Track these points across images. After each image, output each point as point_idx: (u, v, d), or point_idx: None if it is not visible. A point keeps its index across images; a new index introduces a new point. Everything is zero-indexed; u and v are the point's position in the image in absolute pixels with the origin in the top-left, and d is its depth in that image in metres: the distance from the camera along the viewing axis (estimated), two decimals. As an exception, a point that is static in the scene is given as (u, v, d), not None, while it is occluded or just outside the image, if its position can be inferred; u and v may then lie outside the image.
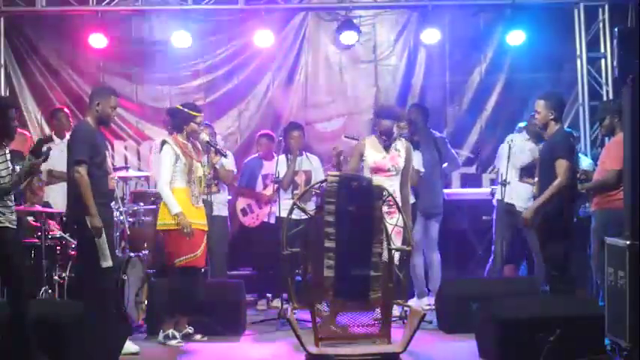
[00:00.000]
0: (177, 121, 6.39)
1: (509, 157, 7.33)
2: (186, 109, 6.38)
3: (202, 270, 6.52)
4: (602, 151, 6.98)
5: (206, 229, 6.35)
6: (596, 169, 6.93)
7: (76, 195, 5.70)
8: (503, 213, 7.32)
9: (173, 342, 6.19)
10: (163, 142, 6.33)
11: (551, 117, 6.14)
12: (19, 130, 8.27)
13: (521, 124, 8.05)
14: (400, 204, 5.93)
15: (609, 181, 6.39)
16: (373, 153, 6.50)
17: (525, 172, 7.39)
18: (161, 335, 6.24)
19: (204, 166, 6.43)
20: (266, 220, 7.97)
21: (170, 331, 6.23)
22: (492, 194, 7.88)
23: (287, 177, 7.55)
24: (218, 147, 6.55)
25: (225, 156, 6.65)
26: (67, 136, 7.82)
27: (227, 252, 7.92)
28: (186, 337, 6.28)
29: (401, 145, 6.59)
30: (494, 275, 7.45)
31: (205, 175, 6.45)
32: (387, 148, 6.53)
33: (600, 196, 6.56)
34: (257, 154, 8.35)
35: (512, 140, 7.39)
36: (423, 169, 7.43)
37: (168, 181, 6.21)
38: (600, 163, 6.72)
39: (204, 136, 6.45)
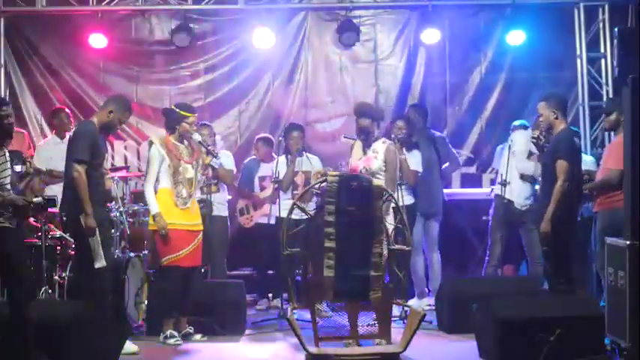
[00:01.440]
0: (170, 121, 6.41)
1: (509, 157, 7.33)
2: (177, 110, 6.39)
3: (200, 270, 6.50)
4: (605, 151, 6.97)
5: (196, 229, 6.34)
6: (598, 168, 6.92)
7: (72, 194, 5.70)
8: (502, 210, 7.32)
9: (171, 341, 6.21)
10: (150, 143, 6.37)
11: (555, 117, 6.13)
12: (17, 129, 8.31)
13: (516, 123, 8.05)
14: None
15: (612, 182, 6.38)
16: (354, 155, 6.39)
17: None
18: (161, 336, 6.25)
19: (196, 167, 6.41)
20: (260, 221, 7.94)
21: (169, 332, 6.25)
22: (492, 193, 7.88)
23: (286, 178, 7.54)
24: (210, 148, 6.53)
25: (215, 157, 6.61)
26: (67, 136, 7.85)
27: (227, 252, 7.91)
28: (186, 337, 6.29)
29: (381, 146, 6.34)
30: (490, 273, 7.46)
31: (197, 177, 6.43)
32: (364, 149, 6.33)
33: (603, 197, 6.55)
34: (255, 156, 8.34)
35: (511, 140, 7.38)
36: (420, 169, 7.41)
37: (152, 182, 6.29)
38: (602, 163, 6.72)
39: (197, 137, 6.43)
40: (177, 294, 6.28)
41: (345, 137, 7.18)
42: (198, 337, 6.35)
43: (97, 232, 5.66)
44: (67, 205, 5.80)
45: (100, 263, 5.67)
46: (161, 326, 6.29)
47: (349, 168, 6.32)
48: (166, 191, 6.28)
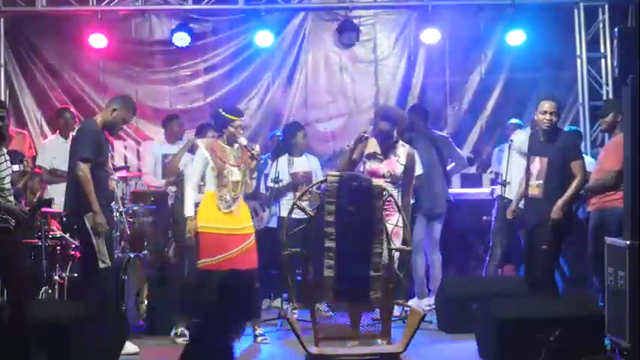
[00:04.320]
0: (217, 124, 6.36)
1: (509, 157, 7.32)
2: (224, 113, 6.30)
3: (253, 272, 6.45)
4: (601, 151, 6.97)
5: (242, 232, 6.23)
6: (595, 169, 6.92)
7: (76, 193, 5.70)
8: (503, 210, 7.31)
9: (180, 339, 6.25)
10: (197, 145, 6.35)
11: (559, 120, 6.23)
12: (18, 129, 8.35)
13: (513, 121, 8.03)
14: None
15: (608, 183, 6.39)
16: (371, 156, 6.21)
17: None
18: (172, 332, 6.29)
19: (241, 170, 6.31)
20: (267, 224, 7.89)
21: (180, 329, 6.30)
22: (492, 194, 7.88)
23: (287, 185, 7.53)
24: (254, 152, 6.35)
25: (259, 161, 6.47)
26: (71, 135, 7.86)
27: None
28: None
29: (402, 150, 6.21)
30: (490, 272, 7.46)
31: (244, 180, 6.32)
32: (385, 152, 6.18)
33: (597, 197, 6.55)
34: (268, 154, 8.23)
35: (511, 140, 7.37)
36: (421, 170, 7.38)
37: (191, 183, 6.24)
38: (599, 164, 6.72)
39: (242, 140, 6.33)
40: (203, 297, 6.24)
41: (348, 146, 7.10)
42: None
43: (102, 232, 5.67)
44: (70, 204, 5.80)
45: (105, 264, 5.67)
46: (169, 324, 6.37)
47: (368, 170, 6.12)
48: (211, 194, 6.21)
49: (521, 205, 7.18)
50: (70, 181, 5.85)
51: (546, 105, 6.17)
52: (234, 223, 6.21)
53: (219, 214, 6.16)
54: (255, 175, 6.47)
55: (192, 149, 7.34)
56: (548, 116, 6.15)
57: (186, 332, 6.26)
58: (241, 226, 6.25)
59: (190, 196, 6.20)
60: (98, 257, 5.63)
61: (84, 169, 5.62)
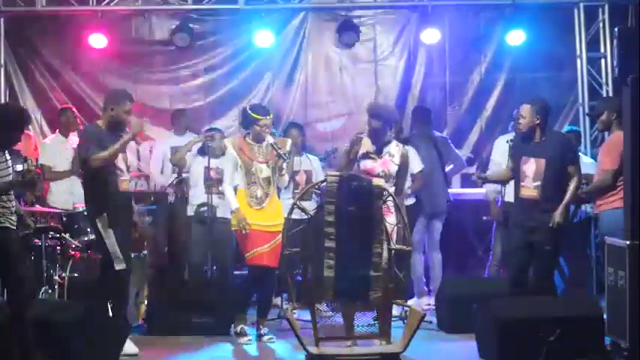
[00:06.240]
0: (245, 122, 6.46)
1: (508, 157, 7.31)
2: (250, 112, 6.38)
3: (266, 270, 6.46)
4: (599, 151, 6.96)
5: (273, 230, 6.28)
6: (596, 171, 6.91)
7: (90, 196, 5.77)
8: (504, 212, 7.31)
9: (242, 339, 6.33)
10: (225, 146, 6.47)
11: (537, 122, 6.01)
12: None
13: None
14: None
15: (606, 182, 6.35)
16: (365, 155, 6.17)
17: None
18: (232, 330, 6.38)
19: (270, 167, 6.38)
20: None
21: (240, 327, 6.37)
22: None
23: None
24: (280, 151, 6.35)
25: (285, 160, 6.44)
26: (71, 135, 7.86)
27: (232, 252, 7.89)
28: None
29: (396, 150, 6.18)
30: (493, 272, 7.46)
31: (275, 176, 6.40)
32: (379, 151, 6.15)
33: (602, 198, 6.53)
34: None
35: (511, 140, 7.35)
36: (422, 165, 7.38)
37: (228, 182, 6.37)
38: (598, 164, 6.71)
39: (269, 139, 6.37)
40: (246, 291, 6.52)
41: (346, 145, 7.09)
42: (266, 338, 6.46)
43: (113, 235, 5.67)
44: (87, 207, 5.89)
45: (120, 265, 5.67)
46: (232, 320, 6.46)
47: (362, 170, 6.09)
48: (242, 192, 6.34)
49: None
50: (84, 183, 5.93)
51: (520, 109, 6.13)
52: (266, 220, 6.31)
53: (251, 211, 6.28)
54: (284, 171, 6.52)
55: (202, 150, 7.33)
56: (519, 120, 6.08)
57: (247, 330, 6.35)
58: (272, 223, 6.33)
59: (229, 192, 6.35)
60: (113, 258, 5.65)
61: (97, 156, 5.60)
